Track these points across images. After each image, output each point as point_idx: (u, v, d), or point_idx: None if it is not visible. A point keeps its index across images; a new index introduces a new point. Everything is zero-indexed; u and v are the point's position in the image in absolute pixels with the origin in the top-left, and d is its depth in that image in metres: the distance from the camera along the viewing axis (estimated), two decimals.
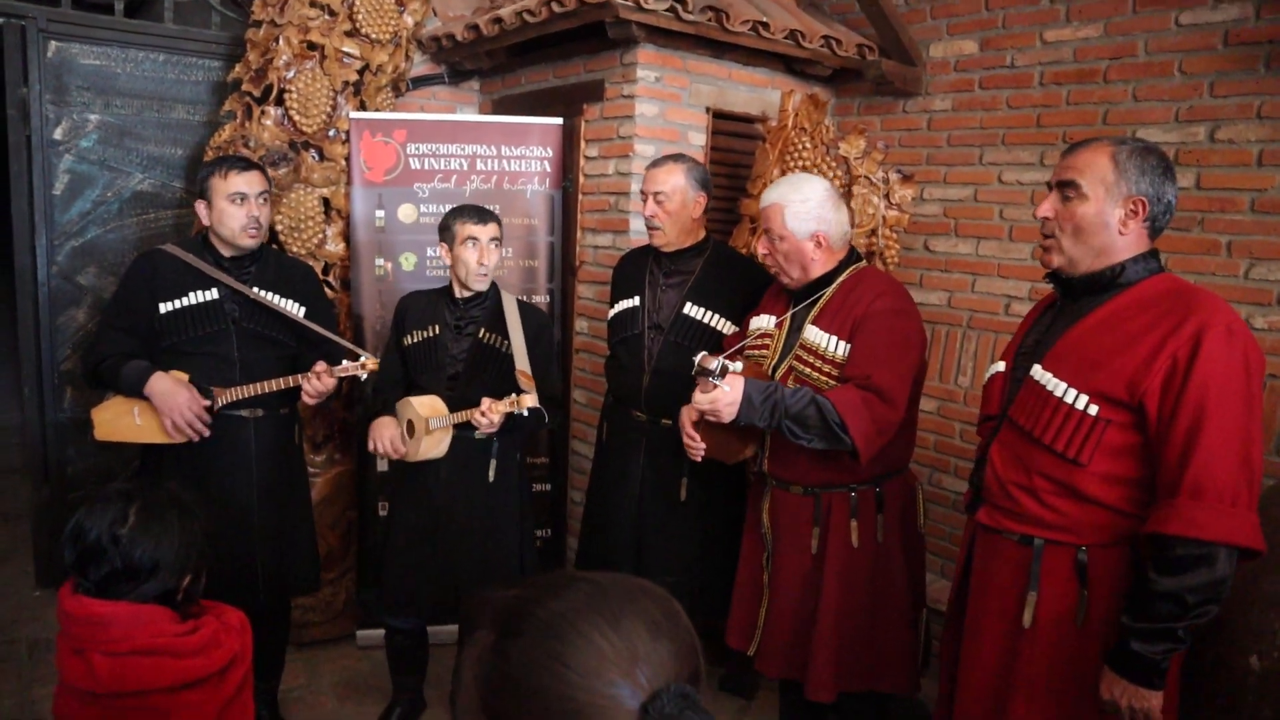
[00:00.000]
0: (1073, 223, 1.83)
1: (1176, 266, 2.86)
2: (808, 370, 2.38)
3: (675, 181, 2.78)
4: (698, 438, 2.45)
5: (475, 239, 2.65)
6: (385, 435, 2.66)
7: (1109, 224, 1.81)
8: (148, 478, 2.69)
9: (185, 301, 2.64)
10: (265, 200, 2.70)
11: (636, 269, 2.99)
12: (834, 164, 3.21)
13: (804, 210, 2.37)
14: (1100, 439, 1.77)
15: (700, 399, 2.24)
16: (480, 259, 2.66)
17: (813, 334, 2.39)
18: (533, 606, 0.81)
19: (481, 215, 2.67)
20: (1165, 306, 1.75)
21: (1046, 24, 3.26)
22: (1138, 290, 1.81)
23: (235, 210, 2.63)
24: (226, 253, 2.71)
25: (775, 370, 2.45)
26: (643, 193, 2.85)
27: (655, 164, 2.84)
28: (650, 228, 2.84)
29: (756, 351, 2.51)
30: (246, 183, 2.64)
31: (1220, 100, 2.83)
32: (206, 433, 2.58)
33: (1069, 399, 1.80)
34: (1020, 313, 3.35)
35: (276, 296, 2.74)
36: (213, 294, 2.66)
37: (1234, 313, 1.72)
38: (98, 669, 1.56)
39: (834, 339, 2.35)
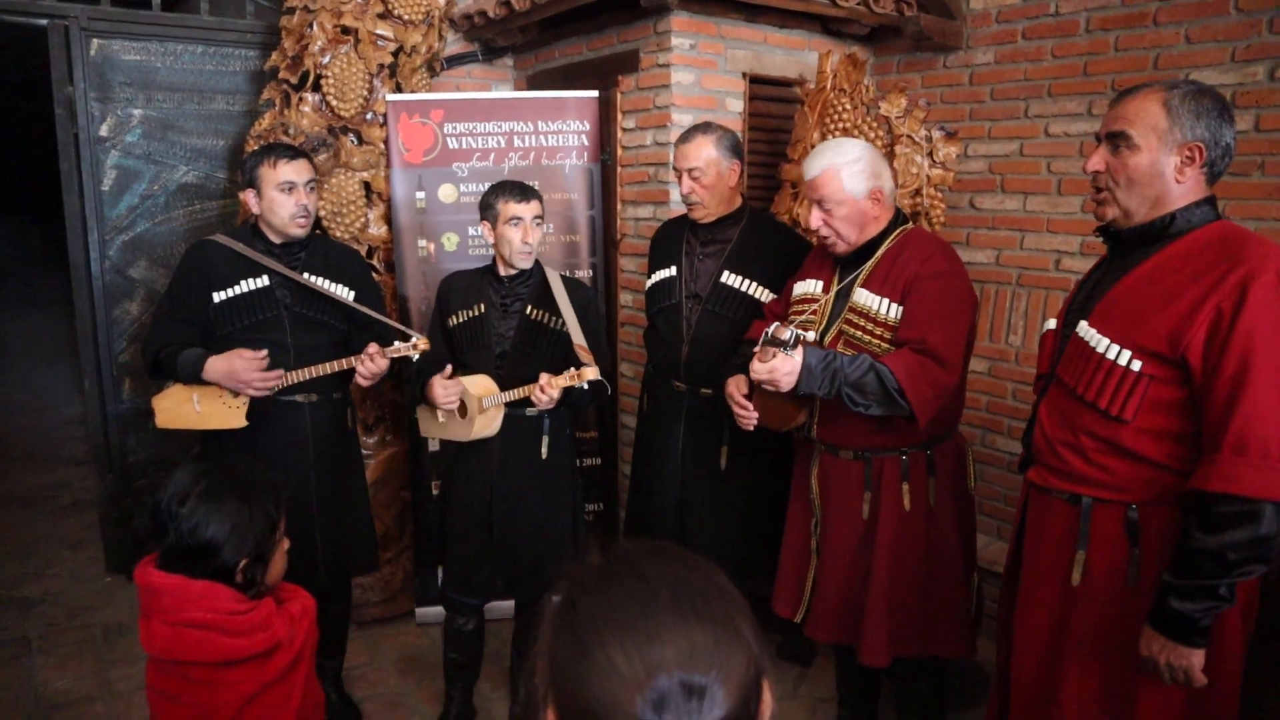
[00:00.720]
0: (1126, 174, 1.77)
1: (1235, 213, 2.77)
2: (859, 334, 2.36)
3: (708, 154, 2.76)
4: (750, 407, 2.43)
5: (519, 218, 2.64)
6: (438, 386, 2.62)
7: (1164, 173, 1.74)
8: (227, 458, 2.74)
9: (237, 290, 2.68)
10: (312, 188, 2.74)
11: (673, 239, 2.98)
12: (875, 124, 3.15)
13: (859, 169, 2.34)
14: (1144, 394, 1.73)
15: (759, 368, 2.22)
16: (524, 237, 2.65)
17: (863, 297, 2.36)
18: (582, 595, 0.80)
19: (524, 192, 2.67)
20: (1213, 256, 1.68)
21: None
22: (1187, 240, 1.74)
23: (285, 199, 2.66)
24: (276, 240, 2.74)
25: (824, 335, 2.43)
26: (676, 170, 2.83)
27: (684, 139, 2.81)
28: (689, 204, 2.83)
29: (802, 317, 2.49)
30: (295, 171, 2.67)
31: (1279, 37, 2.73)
32: (281, 381, 2.62)
33: (1111, 355, 1.76)
34: (1071, 268, 3.28)
35: (326, 281, 2.77)
36: (264, 281, 2.71)
37: None
38: (155, 635, 1.63)
39: (885, 301, 2.32)
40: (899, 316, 2.30)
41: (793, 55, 3.63)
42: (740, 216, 2.88)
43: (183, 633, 1.62)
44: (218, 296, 2.68)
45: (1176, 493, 1.73)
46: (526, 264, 2.72)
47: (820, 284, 2.51)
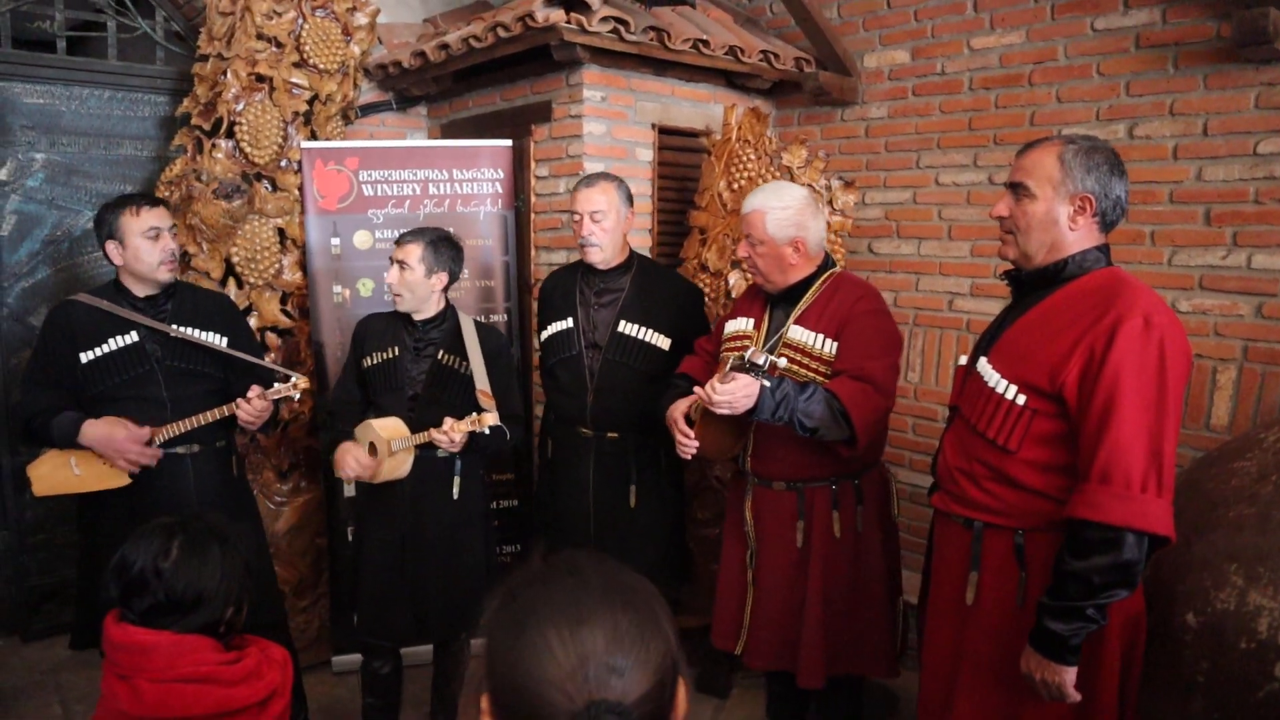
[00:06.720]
0: (1025, 220, 1.92)
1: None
2: (795, 368, 2.44)
3: (610, 199, 2.88)
4: (692, 435, 2.49)
5: (391, 260, 2.74)
6: (350, 458, 2.69)
7: (1059, 220, 1.89)
8: (110, 517, 2.65)
9: (105, 348, 2.61)
10: (174, 232, 2.72)
11: (565, 290, 3.06)
12: (777, 174, 3.32)
13: (785, 217, 2.46)
14: (1029, 427, 1.86)
15: (721, 390, 2.26)
16: (388, 278, 2.74)
17: (799, 333, 2.47)
18: (520, 589, 0.88)
19: (400, 238, 2.76)
20: (1093, 300, 1.83)
21: (973, 32, 3.42)
22: (1078, 284, 1.89)
23: (151, 245, 2.62)
24: (141, 292, 2.68)
25: None
26: (577, 213, 2.90)
27: (587, 183, 2.90)
28: (588, 245, 2.90)
29: (733, 354, 2.55)
30: (158, 217, 2.64)
31: (1136, 99, 2.99)
32: (159, 455, 2.58)
33: (1000, 389, 1.90)
34: (962, 308, 3.50)
35: (196, 330, 2.72)
36: (132, 337, 2.63)
37: (1157, 305, 1.77)
38: (144, 694, 1.59)
39: (821, 337, 2.44)
40: (834, 351, 2.42)
41: (699, 108, 3.80)
42: (630, 265, 3.00)
43: (177, 689, 1.58)
44: (85, 357, 2.60)
45: (1060, 521, 1.85)
46: (401, 306, 2.76)
47: (751, 321, 2.61)
